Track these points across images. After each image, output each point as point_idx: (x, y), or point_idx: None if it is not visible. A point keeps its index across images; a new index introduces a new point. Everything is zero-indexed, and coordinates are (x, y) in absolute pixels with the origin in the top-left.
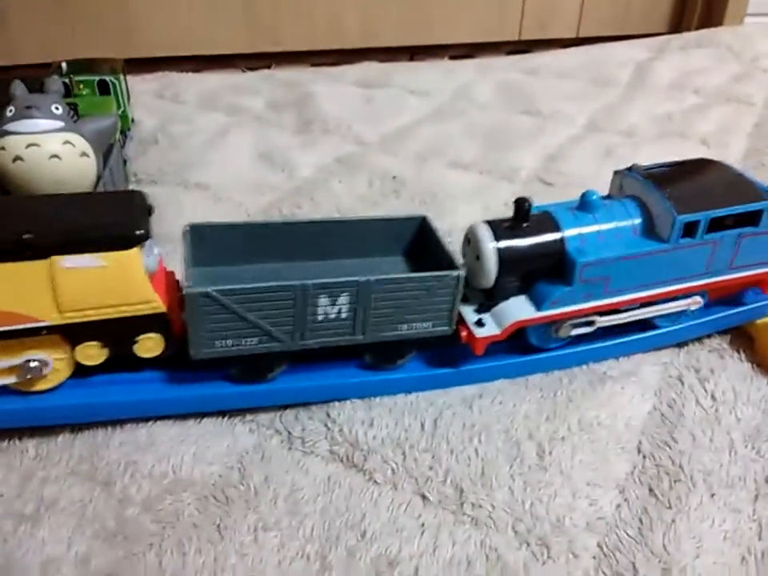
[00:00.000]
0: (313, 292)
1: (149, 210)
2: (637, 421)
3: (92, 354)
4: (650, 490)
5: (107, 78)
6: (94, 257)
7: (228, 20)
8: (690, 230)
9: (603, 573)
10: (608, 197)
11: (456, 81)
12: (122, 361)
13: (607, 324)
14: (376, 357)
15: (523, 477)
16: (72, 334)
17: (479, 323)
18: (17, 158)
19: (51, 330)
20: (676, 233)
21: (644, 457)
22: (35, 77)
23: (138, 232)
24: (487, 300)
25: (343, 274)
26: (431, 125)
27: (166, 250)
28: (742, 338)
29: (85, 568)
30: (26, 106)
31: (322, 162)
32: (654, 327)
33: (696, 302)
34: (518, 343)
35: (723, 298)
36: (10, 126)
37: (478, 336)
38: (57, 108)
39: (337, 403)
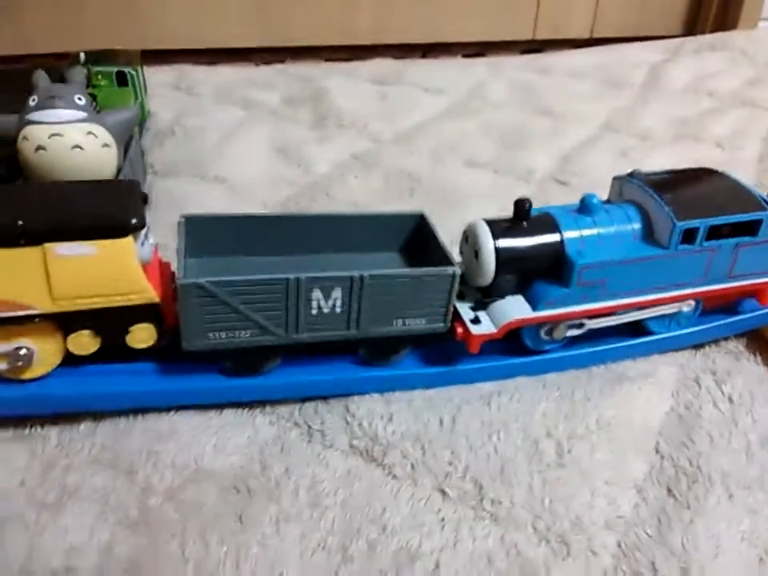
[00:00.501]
0: (306, 286)
1: (144, 200)
2: (654, 421)
3: (84, 343)
4: (669, 490)
5: (126, 70)
6: (86, 244)
7: (241, 14)
8: (688, 236)
9: (622, 571)
10: (608, 201)
11: (469, 79)
12: (116, 351)
13: (597, 326)
14: (370, 352)
15: (542, 474)
16: (64, 323)
17: (475, 321)
18: (39, 148)
19: (43, 317)
20: (675, 239)
21: (662, 457)
22: (53, 66)
23: (131, 221)
24: (484, 298)
25: (340, 268)
26: (445, 123)
27: None
28: (758, 341)
29: (107, 556)
30: (50, 96)
31: (337, 158)
32: (648, 332)
33: (687, 304)
34: (516, 344)
35: (721, 307)
36: (33, 116)
37: (473, 333)
38: (80, 99)
39: (356, 397)
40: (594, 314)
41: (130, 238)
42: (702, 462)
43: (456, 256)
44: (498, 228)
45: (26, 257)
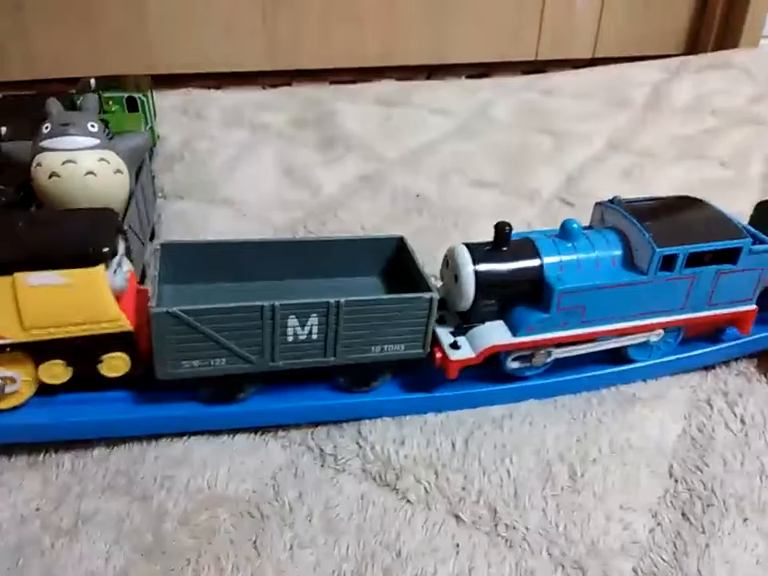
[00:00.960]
0: (281, 312)
1: (118, 229)
2: (667, 444)
3: (56, 372)
4: (683, 514)
5: (136, 96)
6: (57, 274)
7: (247, 38)
8: (668, 263)
9: None
10: (589, 227)
11: (474, 100)
12: (92, 380)
13: (564, 355)
14: (349, 379)
15: (556, 499)
16: (36, 352)
17: (454, 346)
18: (53, 174)
19: (15, 347)
20: (654, 265)
21: (676, 481)
22: (63, 93)
23: (102, 250)
24: (464, 323)
25: (319, 294)
26: (451, 143)
27: None
28: None
29: None
30: (63, 123)
31: (345, 180)
32: (628, 360)
33: (656, 333)
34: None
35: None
36: (47, 143)
37: (452, 359)
38: (93, 126)
39: (368, 421)
40: (573, 340)
41: (101, 267)
42: (716, 485)
43: (438, 281)
44: (478, 252)
45: None
